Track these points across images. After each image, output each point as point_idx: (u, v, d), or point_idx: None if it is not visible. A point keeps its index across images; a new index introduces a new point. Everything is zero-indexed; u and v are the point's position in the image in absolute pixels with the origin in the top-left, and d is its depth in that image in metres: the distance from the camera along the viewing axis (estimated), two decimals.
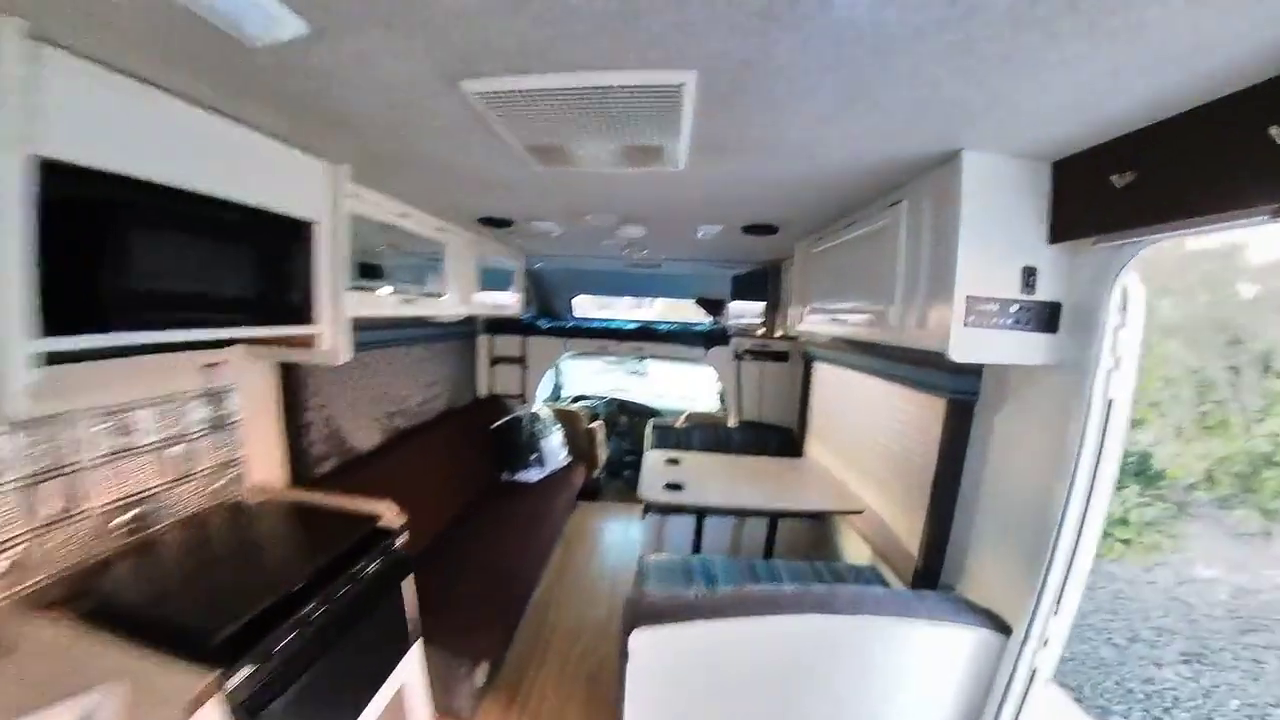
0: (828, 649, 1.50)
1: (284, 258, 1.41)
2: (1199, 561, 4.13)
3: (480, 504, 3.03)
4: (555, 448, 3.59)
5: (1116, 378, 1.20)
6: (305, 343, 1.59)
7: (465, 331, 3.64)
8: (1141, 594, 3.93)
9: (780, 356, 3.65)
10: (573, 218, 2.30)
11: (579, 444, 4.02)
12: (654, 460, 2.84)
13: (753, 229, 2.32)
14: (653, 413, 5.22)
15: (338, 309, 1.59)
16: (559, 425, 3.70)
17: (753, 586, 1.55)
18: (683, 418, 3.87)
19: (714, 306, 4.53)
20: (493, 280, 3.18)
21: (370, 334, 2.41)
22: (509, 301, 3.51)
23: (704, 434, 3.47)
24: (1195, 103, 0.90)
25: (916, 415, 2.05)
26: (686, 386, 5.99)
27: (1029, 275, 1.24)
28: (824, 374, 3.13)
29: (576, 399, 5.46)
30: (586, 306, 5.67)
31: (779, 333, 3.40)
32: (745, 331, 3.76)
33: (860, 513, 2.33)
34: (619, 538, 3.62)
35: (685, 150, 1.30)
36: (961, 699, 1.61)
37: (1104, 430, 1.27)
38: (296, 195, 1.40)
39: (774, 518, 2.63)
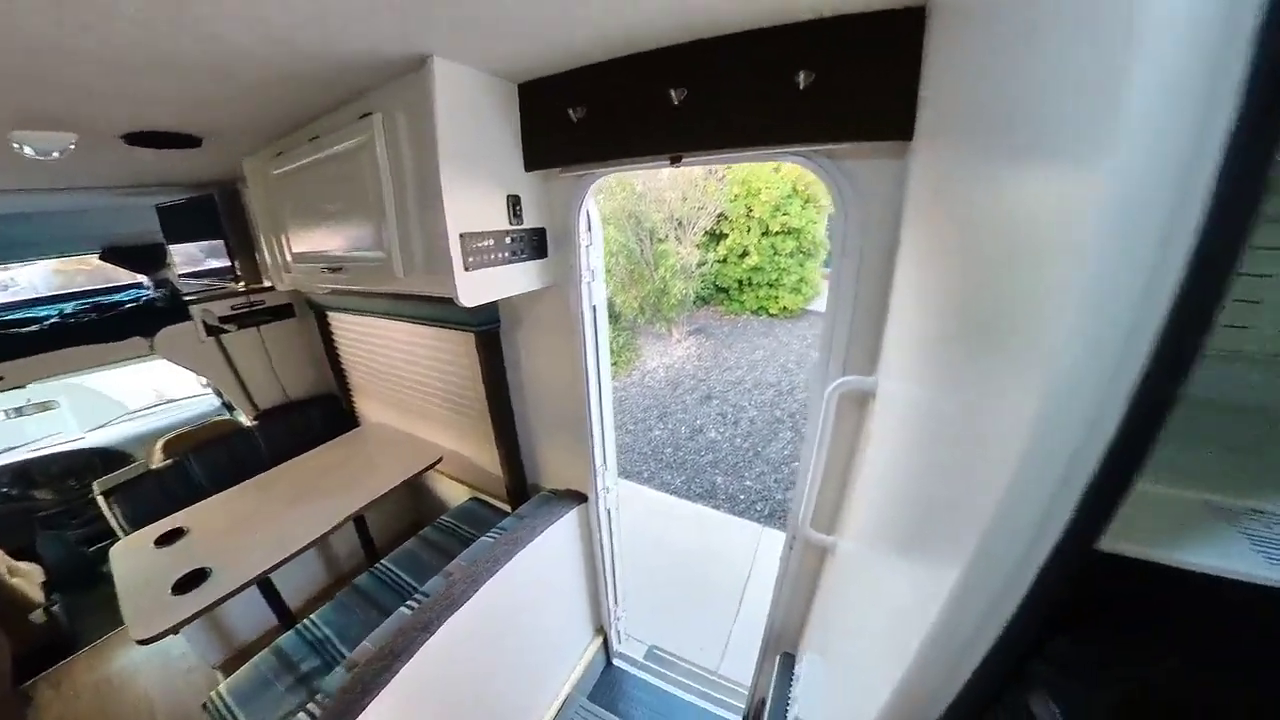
0: (477, 636, 1.43)
1: None
2: (648, 361, 6.51)
3: None
4: None
5: (596, 286, 1.41)
6: None
7: None
8: (630, 394, 5.84)
9: (283, 311, 2.78)
10: None
11: None
12: (136, 556, 1.75)
13: (147, 139, 1.37)
14: (110, 457, 3.32)
15: None
16: None
17: (370, 640, 1.25)
18: (159, 448, 2.47)
19: (143, 258, 2.93)
20: None
21: None
22: None
23: (208, 461, 2.39)
24: (634, 48, 0.95)
25: (453, 350, 1.99)
26: (163, 385, 4.05)
27: (515, 204, 1.23)
28: (344, 324, 2.64)
29: None
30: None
31: (267, 282, 2.54)
32: (215, 291, 2.62)
33: (440, 460, 2.24)
34: (163, 678, 2.29)
35: None
36: (580, 563, 1.91)
37: (595, 327, 1.52)
38: None
39: (359, 519, 2.18)
